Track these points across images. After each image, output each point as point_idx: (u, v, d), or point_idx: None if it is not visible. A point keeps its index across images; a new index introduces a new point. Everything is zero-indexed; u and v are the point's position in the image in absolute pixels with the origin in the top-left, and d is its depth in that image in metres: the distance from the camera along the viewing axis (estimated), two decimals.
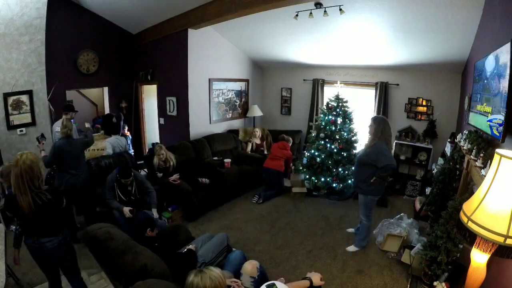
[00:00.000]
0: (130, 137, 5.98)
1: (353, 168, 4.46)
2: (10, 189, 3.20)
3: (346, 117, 4.52)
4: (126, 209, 3.11)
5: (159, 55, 5.50)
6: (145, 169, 4.34)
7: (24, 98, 3.87)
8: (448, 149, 3.73)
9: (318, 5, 3.63)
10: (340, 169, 4.46)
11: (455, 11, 3.06)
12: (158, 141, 6.11)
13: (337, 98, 4.54)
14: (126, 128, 5.92)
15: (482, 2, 2.78)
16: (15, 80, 3.76)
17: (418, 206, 3.95)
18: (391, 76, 5.07)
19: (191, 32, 4.82)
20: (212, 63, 5.38)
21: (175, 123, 5.47)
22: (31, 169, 1.89)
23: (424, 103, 4.89)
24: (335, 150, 4.42)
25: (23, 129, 3.90)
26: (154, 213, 3.23)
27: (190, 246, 2.38)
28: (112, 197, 3.21)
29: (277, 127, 6.40)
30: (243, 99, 6.29)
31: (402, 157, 5.00)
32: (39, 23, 3.79)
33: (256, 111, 6.15)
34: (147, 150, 6.47)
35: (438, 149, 4.60)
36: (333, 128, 4.50)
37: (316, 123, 4.71)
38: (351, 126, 4.58)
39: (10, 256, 2.22)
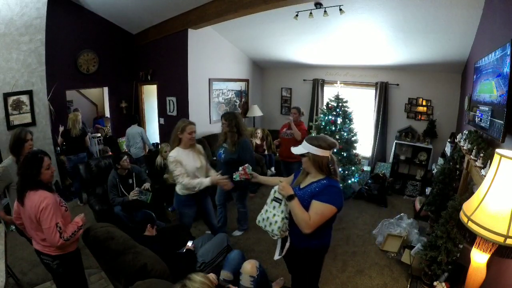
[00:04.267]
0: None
1: (353, 168, 4.47)
2: None
3: (346, 117, 4.51)
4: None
5: (159, 55, 5.50)
6: (146, 170, 4.34)
7: (24, 98, 3.86)
8: (448, 149, 3.73)
9: (318, 5, 3.63)
10: (340, 169, 4.46)
11: (455, 11, 3.06)
12: (158, 141, 6.12)
13: (337, 98, 4.52)
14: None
15: (482, 2, 2.78)
16: (15, 80, 3.76)
17: (418, 206, 3.94)
18: (391, 76, 5.07)
19: (191, 32, 4.82)
20: (212, 63, 5.38)
21: (175, 123, 5.42)
22: None
23: (424, 103, 4.89)
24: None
25: None
26: (147, 185, 3.45)
27: (189, 244, 2.38)
28: (116, 195, 3.29)
29: (277, 127, 6.38)
30: (243, 99, 6.29)
31: (402, 157, 5.00)
32: (39, 23, 3.79)
33: (256, 111, 6.15)
34: (147, 150, 6.47)
35: (438, 149, 4.60)
36: (333, 128, 4.49)
37: (316, 123, 4.69)
38: (351, 126, 4.57)
39: (10, 256, 2.22)
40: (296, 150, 1.78)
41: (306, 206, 1.66)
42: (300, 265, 1.88)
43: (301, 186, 1.78)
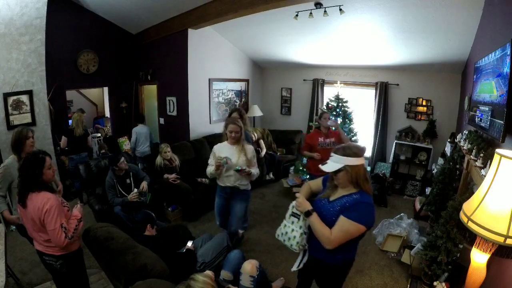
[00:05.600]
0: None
1: None
2: None
3: (346, 117, 4.52)
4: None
5: (159, 55, 5.50)
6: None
7: (24, 98, 3.86)
8: (448, 149, 3.72)
9: (318, 5, 3.63)
10: None
11: (455, 11, 3.06)
12: (159, 141, 6.12)
13: (337, 98, 4.54)
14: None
15: (482, 2, 2.78)
16: (15, 80, 3.75)
17: (418, 206, 3.94)
18: (391, 76, 5.07)
19: (191, 32, 4.82)
20: (212, 63, 5.38)
21: (175, 123, 5.47)
22: None
23: (424, 103, 4.89)
24: None
25: None
26: (145, 185, 3.46)
27: (189, 244, 2.38)
28: (114, 196, 3.28)
29: (277, 127, 6.40)
30: (243, 99, 6.29)
31: (402, 157, 5.00)
32: (39, 23, 3.79)
33: (256, 111, 6.15)
34: None
35: (438, 149, 4.60)
36: (333, 128, 4.50)
37: (316, 123, 4.71)
38: (351, 126, 4.58)
39: (10, 256, 2.22)
40: (328, 167, 1.57)
41: (335, 221, 1.54)
42: (323, 280, 1.83)
43: (331, 199, 1.65)
